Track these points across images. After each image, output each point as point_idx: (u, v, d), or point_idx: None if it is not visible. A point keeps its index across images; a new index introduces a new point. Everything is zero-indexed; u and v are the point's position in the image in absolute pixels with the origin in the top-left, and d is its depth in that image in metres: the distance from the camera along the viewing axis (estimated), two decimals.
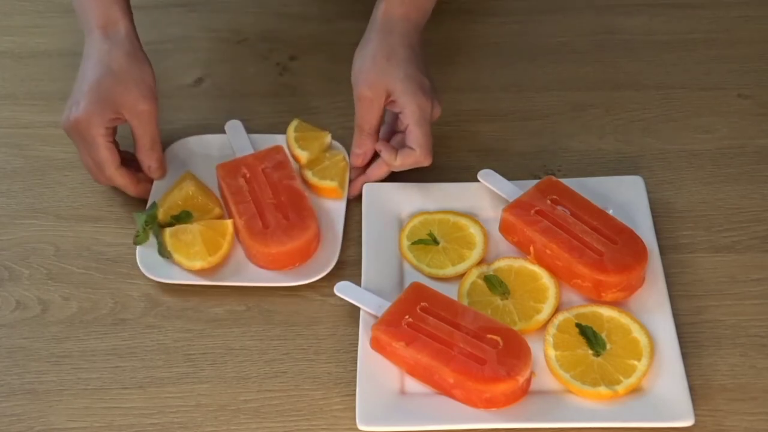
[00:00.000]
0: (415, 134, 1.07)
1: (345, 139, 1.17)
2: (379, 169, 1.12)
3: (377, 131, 1.11)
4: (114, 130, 1.09)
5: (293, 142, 1.15)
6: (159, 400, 0.97)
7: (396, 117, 1.11)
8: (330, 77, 1.26)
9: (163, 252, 1.05)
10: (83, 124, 1.06)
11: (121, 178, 1.09)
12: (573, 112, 1.21)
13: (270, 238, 1.04)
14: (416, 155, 1.08)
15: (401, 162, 1.09)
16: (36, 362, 1.00)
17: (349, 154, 1.14)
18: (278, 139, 1.16)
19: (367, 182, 1.12)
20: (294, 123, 1.17)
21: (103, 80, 1.07)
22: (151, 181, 1.12)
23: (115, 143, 1.09)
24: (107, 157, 1.08)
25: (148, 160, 1.11)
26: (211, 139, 1.17)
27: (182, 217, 1.08)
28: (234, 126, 1.17)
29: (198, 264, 1.04)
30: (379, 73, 1.08)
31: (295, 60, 1.29)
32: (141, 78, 1.08)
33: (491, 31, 1.32)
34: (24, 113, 1.23)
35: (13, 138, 1.21)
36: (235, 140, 1.16)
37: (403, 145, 1.09)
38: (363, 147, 1.11)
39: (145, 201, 1.11)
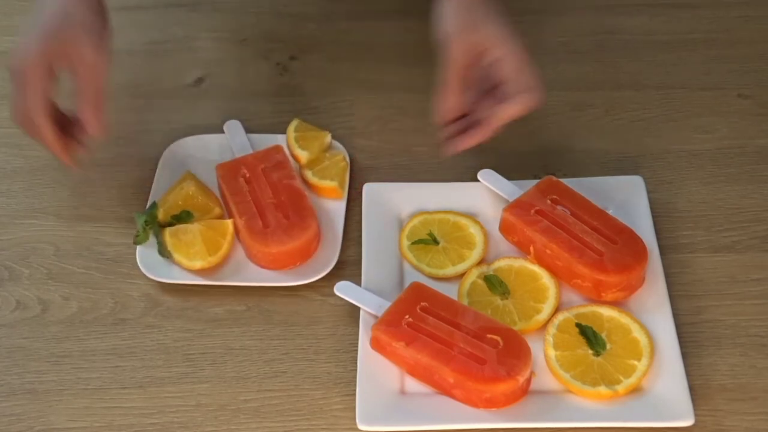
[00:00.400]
0: (524, 76, 1.03)
1: (345, 139, 1.17)
2: (479, 133, 1.05)
3: (463, 88, 1.06)
4: (55, 81, 1.03)
5: (293, 142, 1.15)
6: (159, 399, 0.97)
7: (485, 78, 1.06)
8: (330, 77, 1.26)
9: (163, 252, 1.05)
10: (27, 62, 1.01)
11: (48, 131, 1.03)
12: (573, 112, 1.21)
13: (270, 237, 1.04)
14: (528, 98, 1.03)
15: (514, 110, 1.03)
16: (36, 362, 1.00)
17: (348, 151, 1.15)
18: (278, 139, 1.16)
19: (463, 148, 1.07)
20: (294, 123, 1.17)
21: (57, 22, 1.02)
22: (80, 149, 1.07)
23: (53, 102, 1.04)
24: (39, 101, 1.02)
25: (87, 113, 1.03)
26: (211, 139, 1.17)
27: (182, 217, 1.08)
28: (233, 126, 1.17)
29: (198, 264, 1.04)
30: (470, 25, 1.04)
31: (295, 60, 1.29)
32: (95, 28, 1.03)
33: None
34: None
35: (13, 138, 1.20)
36: (234, 140, 1.16)
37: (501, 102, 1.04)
38: (448, 102, 1.05)
39: (144, 202, 1.11)
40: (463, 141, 1.07)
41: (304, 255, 1.06)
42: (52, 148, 1.05)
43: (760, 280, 1.05)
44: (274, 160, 1.11)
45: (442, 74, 1.06)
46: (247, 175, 1.09)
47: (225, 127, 1.17)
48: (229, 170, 1.10)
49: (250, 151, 1.13)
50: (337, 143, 1.17)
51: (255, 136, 1.16)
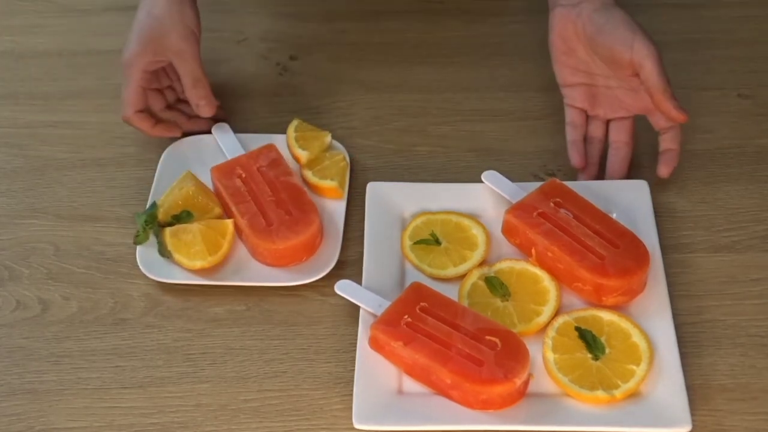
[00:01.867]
0: (663, 82, 1.07)
1: (345, 139, 1.18)
2: (622, 161, 1.13)
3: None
4: (154, 76, 1.15)
5: (293, 142, 1.15)
6: (159, 399, 0.98)
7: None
8: (330, 77, 1.26)
9: (164, 252, 1.05)
10: (126, 65, 1.13)
11: (137, 122, 1.15)
12: None
13: (275, 234, 1.04)
14: (647, 51, 1.07)
15: (651, 68, 1.07)
16: (36, 362, 1.01)
17: (348, 151, 1.15)
18: (278, 139, 1.16)
19: (615, 177, 1.12)
20: (294, 123, 1.17)
21: (146, 24, 1.13)
22: (178, 131, 1.17)
23: (157, 91, 1.16)
24: (129, 98, 1.13)
25: (192, 97, 1.14)
26: (211, 139, 1.17)
27: (182, 217, 1.08)
28: (221, 128, 1.17)
29: (198, 264, 1.04)
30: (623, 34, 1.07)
31: (295, 60, 1.29)
32: (180, 20, 1.12)
33: (491, 31, 1.31)
34: (24, 113, 1.23)
35: (13, 138, 1.21)
36: (224, 143, 1.16)
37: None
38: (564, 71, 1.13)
39: (144, 202, 1.11)
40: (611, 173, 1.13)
41: (309, 250, 1.06)
42: (144, 132, 1.16)
43: (760, 280, 1.05)
44: (269, 158, 1.11)
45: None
46: (243, 176, 1.09)
47: (213, 130, 1.17)
48: (225, 172, 1.10)
49: (243, 152, 1.13)
50: (337, 143, 1.17)
51: (249, 137, 1.16)
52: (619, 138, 1.12)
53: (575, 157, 1.13)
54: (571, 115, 1.14)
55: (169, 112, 1.18)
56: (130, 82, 1.13)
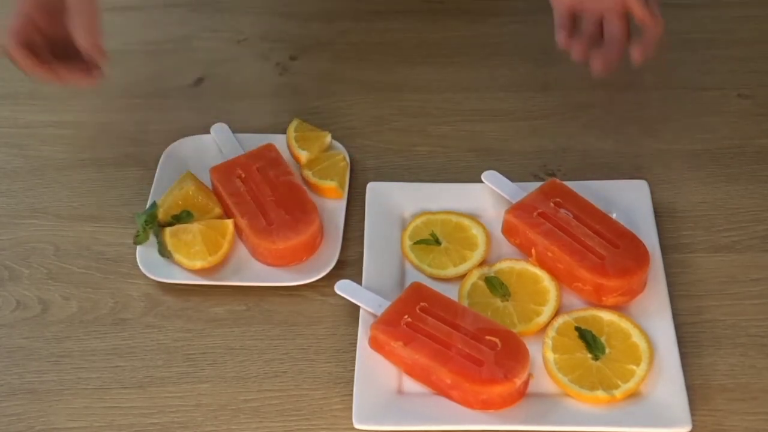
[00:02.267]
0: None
1: (345, 139, 1.18)
2: (618, 43, 1.10)
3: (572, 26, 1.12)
4: (46, 16, 1.06)
5: (293, 142, 1.15)
6: (159, 399, 0.98)
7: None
8: (330, 77, 1.26)
9: (164, 252, 1.05)
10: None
11: (18, 55, 1.06)
12: (573, 112, 1.21)
13: (276, 234, 1.04)
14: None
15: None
16: (36, 362, 1.01)
17: (348, 151, 1.15)
18: (278, 139, 1.16)
19: (610, 66, 1.10)
20: (294, 123, 1.17)
21: None
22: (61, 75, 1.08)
23: (42, 33, 1.07)
24: (14, 26, 1.05)
25: (75, 30, 1.05)
26: (211, 140, 1.17)
27: (182, 217, 1.08)
28: (220, 129, 1.17)
29: (198, 264, 1.04)
30: None
31: (295, 60, 1.29)
32: None
33: (491, 31, 1.31)
34: (24, 113, 1.23)
35: (13, 138, 1.21)
36: (223, 143, 1.16)
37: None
38: (561, 37, 1.12)
39: (144, 202, 1.11)
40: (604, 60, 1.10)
41: (310, 249, 1.06)
42: (27, 73, 1.07)
43: (759, 280, 1.05)
44: (268, 158, 1.11)
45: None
46: (243, 176, 1.09)
47: (212, 130, 1.17)
48: (224, 172, 1.10)
49: (242, 152, 1.13)
50: (337, 143, 1.17)
51: (248, 137, 1.16)
52: (612, 30, 1.11)
53: (561, 37, 1.12)
54: (558, 18, 1.13)
55: (53, 60, 1.07)
56: (18, 11, 1.05)
